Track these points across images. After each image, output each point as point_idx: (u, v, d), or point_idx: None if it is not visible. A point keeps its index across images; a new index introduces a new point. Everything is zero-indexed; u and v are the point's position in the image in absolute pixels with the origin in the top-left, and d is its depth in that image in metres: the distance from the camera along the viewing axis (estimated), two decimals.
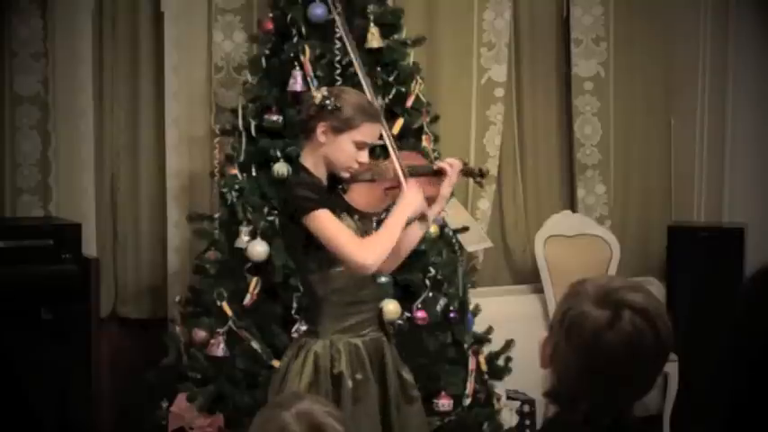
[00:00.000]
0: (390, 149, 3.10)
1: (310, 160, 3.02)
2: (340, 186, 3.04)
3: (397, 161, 3.07)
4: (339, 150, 2.98)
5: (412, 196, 3.01)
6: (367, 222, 3.12)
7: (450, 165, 3.10)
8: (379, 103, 3.18)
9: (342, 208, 3.02)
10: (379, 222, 3.20)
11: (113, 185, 4.84)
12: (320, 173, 3.02)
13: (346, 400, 2.97)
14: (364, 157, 3.02)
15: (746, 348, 1.50)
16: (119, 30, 4.79)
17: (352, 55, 3.37)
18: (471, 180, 3.30)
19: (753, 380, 1.50)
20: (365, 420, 3.00)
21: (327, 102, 2.96)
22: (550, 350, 1.72)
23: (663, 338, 1.62)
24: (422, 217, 3.10)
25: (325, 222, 2.89)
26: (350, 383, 2.98)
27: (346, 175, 3.02)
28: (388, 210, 3.19)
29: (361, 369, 3.02)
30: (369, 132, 3.01)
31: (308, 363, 2.99)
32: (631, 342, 1.61)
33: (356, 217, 3.05)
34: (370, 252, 2.91)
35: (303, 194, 2.91)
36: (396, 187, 3.06)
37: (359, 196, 3.04)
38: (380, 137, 3.13)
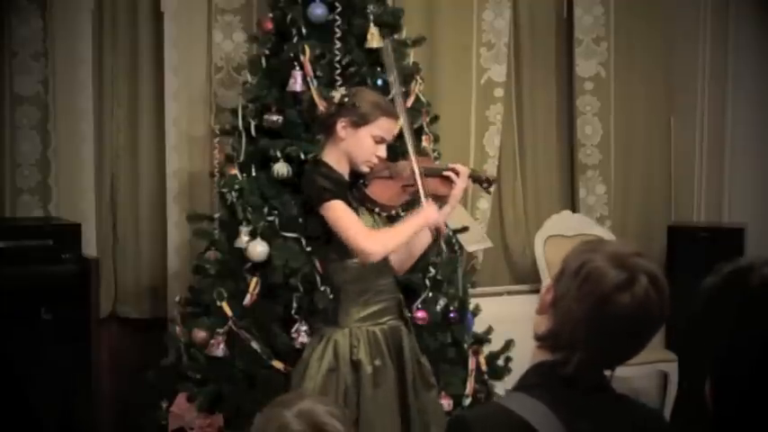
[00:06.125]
0: (410, 148, 3.26)
1: (332, 157, 3.18)
2: (361, 181, 3.20)
3: (414, 159, 3.22)
4: (358, 144, 3.15)
5: (430, 212, 3.16)
6: (386, 217, 3.28)
7: (460, 168, 3.28)
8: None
9: (361, 202, 3.18)
10: (395, 218, 3.38)
11: (113, 185, 4.83)
12: (342, 169, 3.18)
13: (366, 385, 3.11)
14: (382, 151, 3.19)
15: (743, 348, 1.49)
16: (119, 30, 4.79)
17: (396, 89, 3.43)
18: (479, 185, 3.46)
19: (751, 379, 1.50)
20: (384, 405, 3.13)
21: (346, 99, 3.14)
22: (554, 296, 1.77)
23: (665, 308, 1.74)
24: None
25: (338, 212, 3.05)
26: (369, 369, 3.11)
27: (366, 170, 3.18)
28: (405, 205, 3.41)
29: (379, 356, 3.15)
30: (386, 127, 3.19)
31: (328, 350, 3.14)
32: (641, 306, 1.70)
33: (377, 210, 3.22)
34: (376, 242, 3.07)
35: (321, 184, 3.08)
36: (412, 185, 3.23)
37: (379, 190, 3.21)
38: (400, 136, 3.30)
